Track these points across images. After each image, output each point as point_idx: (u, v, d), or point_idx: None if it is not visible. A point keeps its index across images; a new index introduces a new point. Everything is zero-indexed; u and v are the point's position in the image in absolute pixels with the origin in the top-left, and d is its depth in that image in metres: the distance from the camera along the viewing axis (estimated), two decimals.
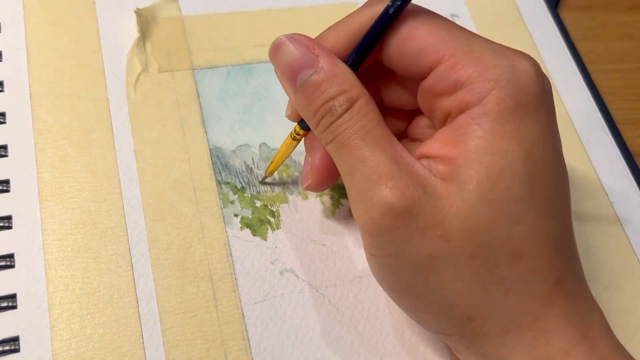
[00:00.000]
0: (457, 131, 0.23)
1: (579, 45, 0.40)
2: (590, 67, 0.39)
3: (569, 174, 0.34)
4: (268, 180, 0.32)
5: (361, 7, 0.25)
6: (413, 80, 0.25)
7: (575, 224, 0.33)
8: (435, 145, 0.23)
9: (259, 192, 0.31)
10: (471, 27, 0.39)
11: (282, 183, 0.32)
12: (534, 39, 0.40)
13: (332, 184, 0.28)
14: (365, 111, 0.24)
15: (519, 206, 0.22)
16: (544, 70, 0.24)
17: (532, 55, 0.24)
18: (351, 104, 0.24)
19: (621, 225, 0.34)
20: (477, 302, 0.23)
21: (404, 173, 0.22)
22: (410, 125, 0.28)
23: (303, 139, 0.28)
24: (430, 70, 0.24)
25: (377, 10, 0.24)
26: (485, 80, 0.22)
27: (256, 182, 0.31)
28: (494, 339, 0.23)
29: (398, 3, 0.23)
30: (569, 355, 0.22)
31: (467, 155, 0.22)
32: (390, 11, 0.23)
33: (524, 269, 0.22)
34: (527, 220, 0.22)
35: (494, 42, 0.24)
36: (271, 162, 0.30)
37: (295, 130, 0.27)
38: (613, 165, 0.36)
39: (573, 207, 0.33)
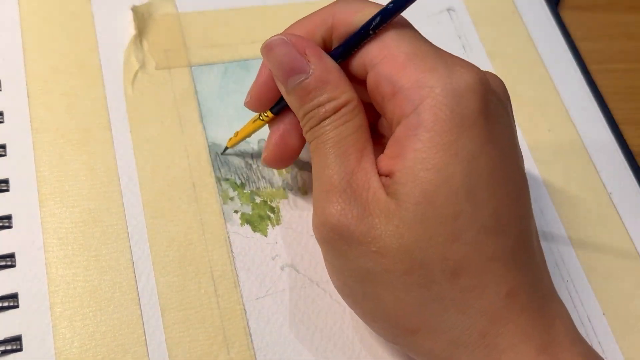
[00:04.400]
0: (397, 144, 0.22)
1: (579, 45, 0.40)
2: (591, 67, 0.39)
3: (570, 173, 0.35)
4: (229, 151, 0.31)
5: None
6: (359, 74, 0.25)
7: (576, 224, 0.33)
8: (383, 160, 0.23)
9: (258, 188, 0.31)
10: (467, 23, 0.39)
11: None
12: (533, 39, 0.39)
13: (286, 165, 0.29)
14: (346, 118, 0.24)
15: (456, 224, 0.21)
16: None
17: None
18: (336, 111, 0.24)
19: (623, 225, 0.34)
20: (416, 317, 0.22)
21: (350, 189, 0.23)
22: (379, 120, 0.28)
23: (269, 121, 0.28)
24: (371, 67, 0.23)
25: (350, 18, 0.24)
26: (421, 85, 0.21)
27: (255, 178, 0.31)
28: (440, 354, 0.23)
29: (378, 22, 0.23)
30: None
31: (404, 170, 0.22)
32: (371, 32, 0.23)
33: (465, 286, 0.22)
34: (466, 237, 0.21)
35: (443, 50, 0.23)
36: (234, 136, 0.31)
37: (265, 112, 0.28)
38: (614, 165, 0.36)
39: (574, 207, 0.34)
